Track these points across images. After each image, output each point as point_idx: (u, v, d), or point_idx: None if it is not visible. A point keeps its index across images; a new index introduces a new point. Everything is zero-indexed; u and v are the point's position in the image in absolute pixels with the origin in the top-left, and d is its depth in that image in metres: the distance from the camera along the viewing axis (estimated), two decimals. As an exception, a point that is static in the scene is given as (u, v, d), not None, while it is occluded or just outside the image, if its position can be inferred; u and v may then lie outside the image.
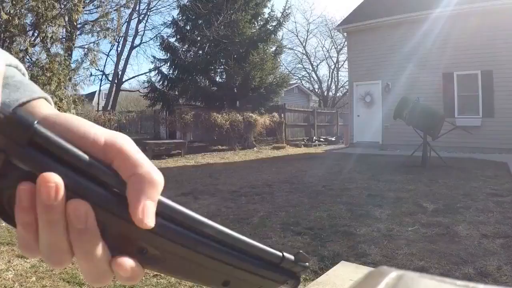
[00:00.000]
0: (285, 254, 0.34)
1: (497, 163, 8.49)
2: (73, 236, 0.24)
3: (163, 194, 0.27)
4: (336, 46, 29.32)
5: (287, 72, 22.12)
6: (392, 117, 8.57)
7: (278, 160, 10.14)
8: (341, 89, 30.17)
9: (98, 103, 24.54)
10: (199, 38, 14.97)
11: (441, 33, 11.60)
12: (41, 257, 0.25)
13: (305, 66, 31.29)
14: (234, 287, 0.31)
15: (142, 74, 28.89)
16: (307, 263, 0.35)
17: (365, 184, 5.93)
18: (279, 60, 17.36)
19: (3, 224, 3.89)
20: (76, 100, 6.91)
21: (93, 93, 26.67)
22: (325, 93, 30.45)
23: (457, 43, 11.34)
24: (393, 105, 8.87)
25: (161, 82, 15.46)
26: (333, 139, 17.77)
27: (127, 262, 0.25)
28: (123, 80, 19.90)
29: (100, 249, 0.24)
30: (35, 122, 0.23)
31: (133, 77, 25.32)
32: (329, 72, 30.97)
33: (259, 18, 16.03)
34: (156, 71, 15.72)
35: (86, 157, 0.24)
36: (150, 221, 0.24)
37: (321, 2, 50.86)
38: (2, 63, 0.26)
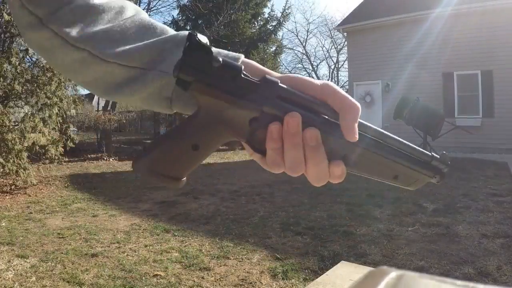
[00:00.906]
0: (433, 154, 0.42)
1: (497, 163, 8.49)
2: (308, 151, 0.36)
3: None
4: (336, 46, 29.31)
5: (287, 72, 22.11)
6: (392, 117, 8.57)
7: (278, 160, 10.13)
8: (341, 89, 30.11)
9: (98, 103, 24.50)
10: (199, 38, 14.94)
11: (441, 33, 11.60)
12: (285, 169, 0.36)
13: (305, 66, 31.27)
14: (401, 180, 0.41)
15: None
16: (449, 162, 0.43)
17: (365, 184, 5.93)
18: (279, 60, 17.39)
19: (3, 224, 3.89)
20: (76, 100, 6.87)
21: (93, 93, 26.60)
22: (325, 93, 30.37)
23: (457, 43, 11.33)
24: (393, 105, 8.87)
25: (161, 82, 15.45)
26: (333, 139, 17.77)
27: (340, 163, 0.37)
28: (123, 80, 19.85)
29: (324, 158, 0.36)
30: (279, 82, 0.36)
31: (133, 77, 25.29)
32: (329, 72, 30.92)
33: (259, 18, 16.03)
34: (156, 71, 15.69)
35: (311, 98, 0.36)
36: (357, 136, 0.36)
37: (321, 2, 50.85)
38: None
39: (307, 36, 30.31)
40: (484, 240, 3.25)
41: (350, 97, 0.37)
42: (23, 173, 5.48)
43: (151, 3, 18.23)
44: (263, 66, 0.39)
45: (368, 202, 4.78)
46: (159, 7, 24.41)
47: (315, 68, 30.85)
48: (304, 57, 30.45)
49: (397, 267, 0.27)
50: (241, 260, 2.96)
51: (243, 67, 0.35)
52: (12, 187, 5.62)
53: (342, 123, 0.36)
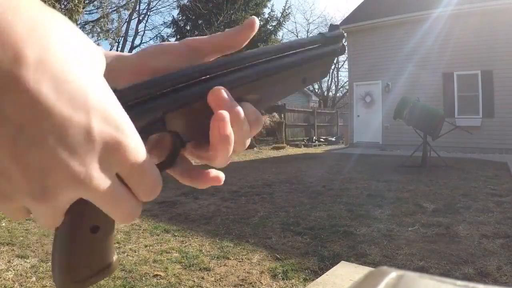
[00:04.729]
0: (322, 33, 0.38)
1: (497, 163, 8.49)
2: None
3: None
4: (336, 46, 29.29)
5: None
6: (392, 117, 8.57)
7: (278, 160, 10.14)
8: (341, 89, 30.18)
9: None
10: (199, 38, 14.96)
11: (441, 33, 11.61)
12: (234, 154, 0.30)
13: (305, 66, 31.25)
14: (310, 79, 0.37)
15: (142, 74, 28.89)
16: (339, 30, 0.39)
17: (365, 184, 5.92)
18: (279, 60, 17.37)
19: (3, 224, 3.89)
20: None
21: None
22: (325, 93, 30.44)
23: (457, 43, 11.34)
24: (393, 105, 8.87)
25: (161, 82, 15.48)
26: (333, 139, 17.77)
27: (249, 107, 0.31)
28: (123, 80, 19.83)
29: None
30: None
31: (133, 77, 25.30)
32: (329, 72, 30.94)
33: (259, 18, 16.04)
34: (156, 71, 15.72)
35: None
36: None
37: (321, 2, 50.88)
38: None
39: (307, 36, 30.29)
40: (484, 240, 3.25)
41: None
42: (23, 173, 5.48)
43: (151, 3, 18.26)
44: None
45: (368, 202, 4.78)
46: (159, 7, 24.45)
47: (315, 68, 30.83)
48: (304, 57, 30.43)
49: (397, 267, 0.27)
50: (241, 260, 2.96)
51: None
52: (12, 187, 5.62)
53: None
